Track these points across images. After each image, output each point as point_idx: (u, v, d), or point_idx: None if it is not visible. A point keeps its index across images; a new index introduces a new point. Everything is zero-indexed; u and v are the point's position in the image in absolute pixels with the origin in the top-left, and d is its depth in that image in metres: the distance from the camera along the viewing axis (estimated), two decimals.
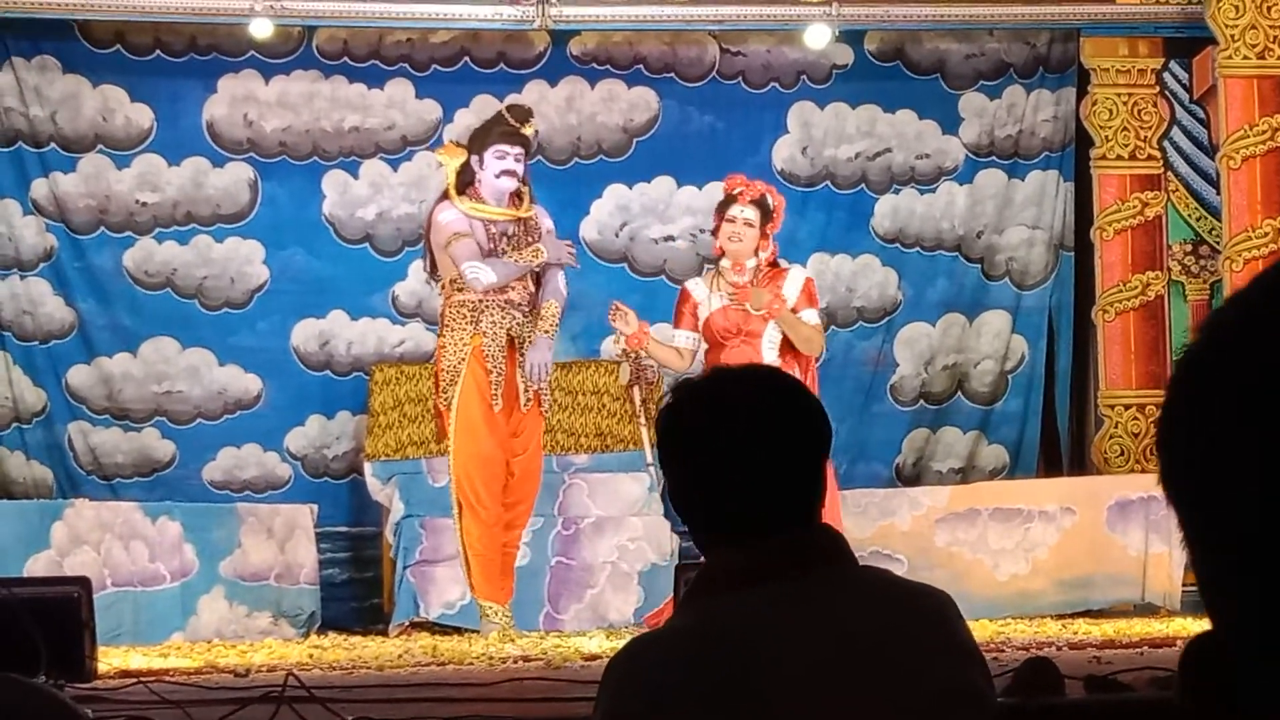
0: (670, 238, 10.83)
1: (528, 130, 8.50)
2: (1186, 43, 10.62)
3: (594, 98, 10.80)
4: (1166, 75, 10.73)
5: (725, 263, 8.28)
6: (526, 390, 8.35)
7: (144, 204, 10.47)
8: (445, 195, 8.50)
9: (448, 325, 8.37)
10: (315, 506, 9.73)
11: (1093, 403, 10.77)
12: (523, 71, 10.73)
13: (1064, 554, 9.54)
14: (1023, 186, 10.99)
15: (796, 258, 10.25)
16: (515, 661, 7.17)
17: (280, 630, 9.25)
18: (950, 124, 10.95)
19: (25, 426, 10.33)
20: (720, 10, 10.35)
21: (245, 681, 6.39)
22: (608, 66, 10.82)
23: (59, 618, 6.70)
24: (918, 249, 10.92)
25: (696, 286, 8.38)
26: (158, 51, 10.49)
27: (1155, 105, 10.72)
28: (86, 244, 10.42)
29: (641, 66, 10.82)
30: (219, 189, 10.54)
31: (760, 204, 8.31)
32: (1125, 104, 10.72)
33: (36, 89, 10.37)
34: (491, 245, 8.37)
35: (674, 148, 10.80)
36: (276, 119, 10.58)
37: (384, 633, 9.18)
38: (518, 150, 8.43)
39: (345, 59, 10.64)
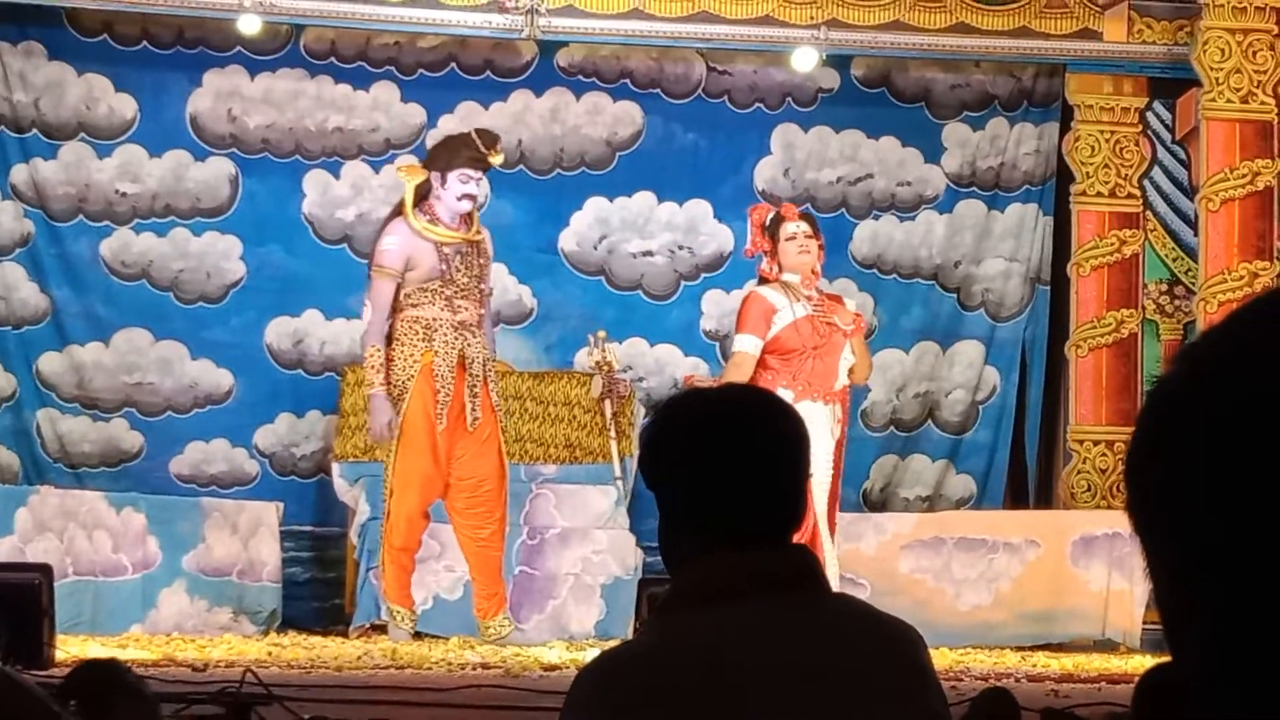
0: (649, 253, 10.84)
1: (496, 159, 8.49)
2: (1171, 83, 10.66)
3: (579, 109, 10.81)
4: (1150, 115, 10.77)
5: (792, 277, 8.19)
6: (474, 409, 8.37)
7: (123, 194, 10.45)
8: (398, 212, 8.50)
9: (398, 339, 8.39)
10: (281, 504, 9.71)
11: (1062, 437, 10.80)
12: (509, 80, 10.74)
13: (1026, 586, 9.56)
14: (1002, 218, 11.02)
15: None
16: (474, 669, 7.16)
17: (240, 627, 9.23)
18: (932, 153, 10.98)
19: None
20: (708, 29, 10.37)
21: (202, 676, 6.37)
22: (594, 79, 10.83)
23: (18, 604, 6.69)
24: (895, 276, 10.95)
25: (772, 294, 8.20)
26: (144, 43, 10.47)
27: (1137, 144, 10.76)
28: (64, 231, 10.40)
29: (628, 81, 10.84)
30: (199, 182, 10.53)
31: (807, 218, 8.40)
32: (1107, 141, 10.77)
33: (21, 74, 10.35)
34: (445, 266, 8.37)
35: (656, 163, 10.81)
36: (260, 115, 10.58)
37: (344, 634, 9.16)
38: (480, 175, 8.45)
39: (332, 59, 10.63)
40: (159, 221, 10.50)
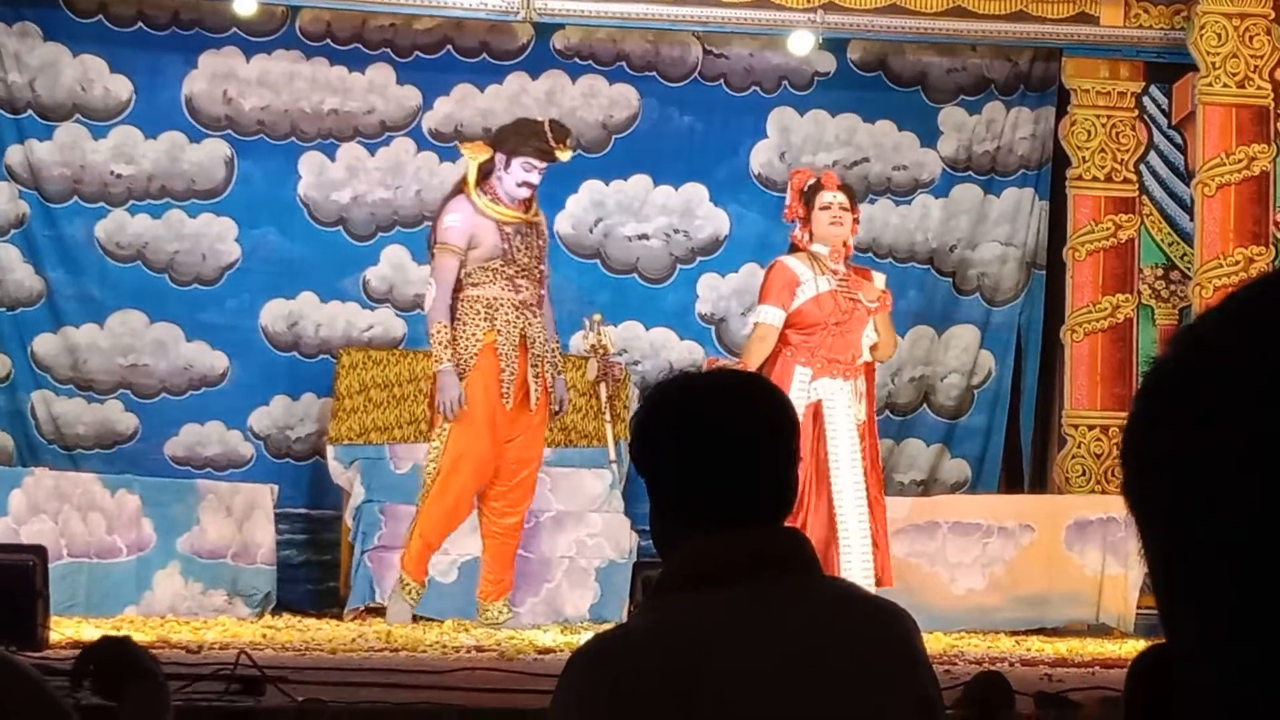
0: (644, 236, 10.83)
1: (563, 155, 8.35)
2: (1167, 68, 10.66)
3: (575, 92, 10.79)
4: (1146, 99, 10.77)
5: (821, 248, 8.08)
6: (537, 389, 8.32)
7: (119, 175, 10.44)
8: (459, 189, 8.42)
9: (459, 318, 8.26)
10: (275, 487, 9.70)
11: (1057, 422, 10.80)
12: (505, 63, 10.73)
13: (1021, 571, 9.57)
14: (998, 203, 11.02)
15: (768, 263, 10.26)
16: (469, 651, 7.16)
17: (234, 609, 9.23)
18: (929, 137, 10.98)
19: None
20: (705, 11, 10.36)
21: (197, 658, 6.37)
22: (590, 62, 10.82)
23: (13, 585, 6.68)
24: (890, 260, 10.94)
25: (797, 265, 8.08)
26: (140, 24, 10.46)
27: (1133, 128, 10.76)
28: (59, 213, 10.39)
29: (624, 64, 10.83)
30: (194, 164, 10.51)
31: (846, 189, 8.25)
32: (1104, 125, 10.76)
33: (16, 55, 10.33)
34: (506, 245, 8.28)
35: (652, 146, 10.80)
36: (256, 97, 10.56)
37: (338, 616, 9.17)
38: (544, 166, 8.38)
39: (328, 41, 10.62)
40: (154, 203, 10.49)
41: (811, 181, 8.21)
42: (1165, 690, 1.04)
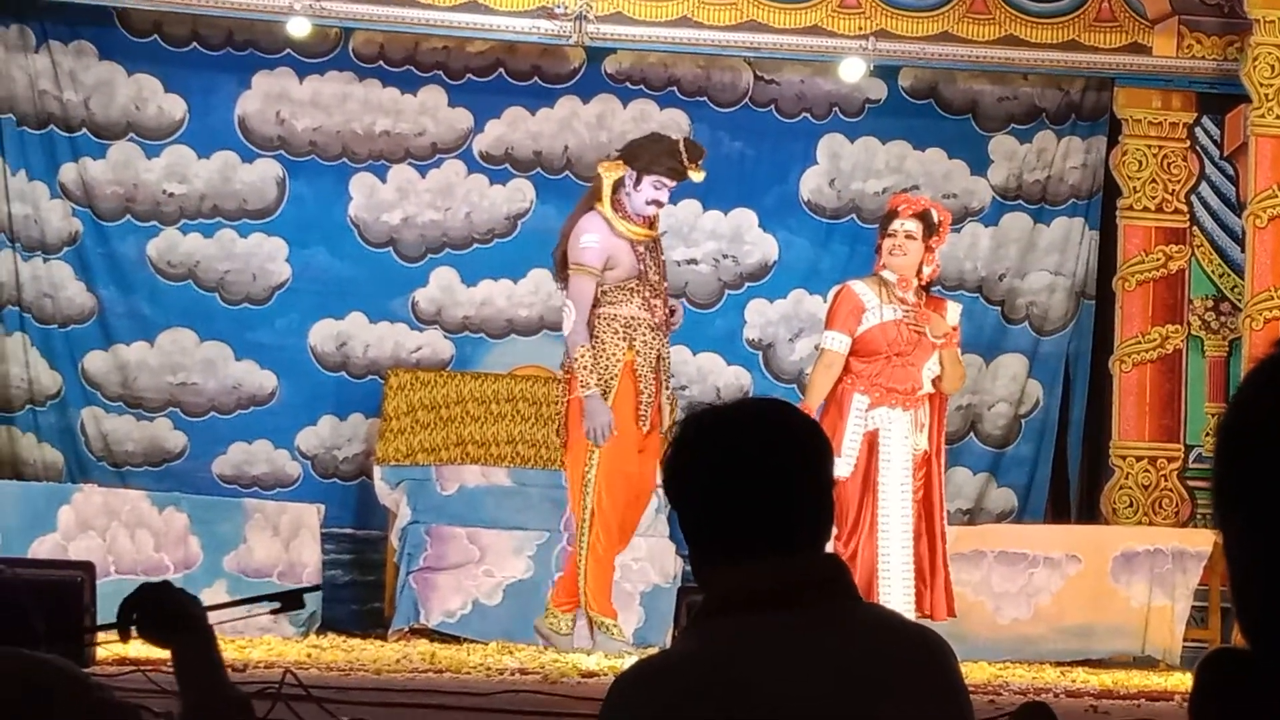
0: (693, 261, 10.84)
1: (696, 175, 8.23)
2: (1220, 99, 10.62)
3: (625, 116, 10.81)
4: (1198, 130, 10.73)
5: (890, 275, 8.05)
6: (671, 411, 8.24)
7: (171, 194, 10.50)
8: (591, 205, 8.25)
9: (597, 337, 8.12)
10: (322, 507, 9.72)
11: (1104, 452, 10.76)
12: (556, 86, 10.75)
13: (1067, 601, 9.53)
14: (1048, 232, 10.99)
15: (818, 289, 10.27)
16: (512, 674, 7.16)
17: (280, 628, 9.24)
18: (979, 165, 10.96)
19: (39, 409, 10.35)
20: (757, 38, 10.37)
21: (242, 677, 6.39)
22: (641, 86, 10.83)
23: (61, 601, 6.72)
24: (939, 288, 10.89)
25: (864, 291, 8.05)
26: (194, 44, 10.52)
27: (1185, 159, 10.73)
28: (111, 231, 10.45)
29: (675, 89, 10.84)
30: (246, 184, 10.56)
31: (922, 217, 8.11)
32: (1155, 156, 10.73)
33: (72, 74, 10.40)
34: (640, 264, 8.14)
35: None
36: (308, 118, 10.61)
37: (383, 637, 9.18)
38: (674, 185, 8.27)
39: (380, 63, 10.66)
40: (206, 222, 10.54)
41: (900, 206, 8.19)
42: (1236, 685, 1.04)
